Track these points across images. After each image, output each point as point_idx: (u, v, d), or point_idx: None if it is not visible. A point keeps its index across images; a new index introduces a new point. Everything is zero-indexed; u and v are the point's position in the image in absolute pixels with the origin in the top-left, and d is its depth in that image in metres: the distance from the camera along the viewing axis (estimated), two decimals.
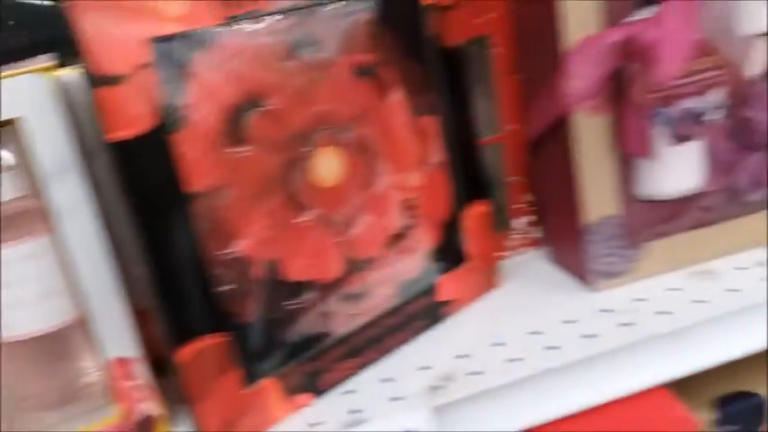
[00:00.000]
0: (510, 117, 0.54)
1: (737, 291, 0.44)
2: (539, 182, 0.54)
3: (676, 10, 0.39)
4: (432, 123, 0.48)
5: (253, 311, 0.40)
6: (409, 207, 0.47)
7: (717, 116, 0.45)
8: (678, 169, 0.46)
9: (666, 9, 0.39)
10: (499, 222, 0.58)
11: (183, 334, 0.37)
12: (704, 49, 0.41)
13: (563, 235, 0.51)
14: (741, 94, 0.46)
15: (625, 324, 0.43)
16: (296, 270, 0.41)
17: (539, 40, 0.45)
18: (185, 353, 0.37)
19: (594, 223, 0.46)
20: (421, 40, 0.46)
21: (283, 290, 0.41)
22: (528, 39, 0.48)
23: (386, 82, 0.45)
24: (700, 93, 0.42)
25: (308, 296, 0.42)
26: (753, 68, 0.46)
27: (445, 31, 0.47)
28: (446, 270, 0.49)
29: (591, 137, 0.44)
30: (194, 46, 0.36)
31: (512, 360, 0.42)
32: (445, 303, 0.49)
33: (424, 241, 0.48)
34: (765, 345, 0.43)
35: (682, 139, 0.43)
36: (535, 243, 0.57)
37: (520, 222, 0.57)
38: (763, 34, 0.45)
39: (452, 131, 0.48)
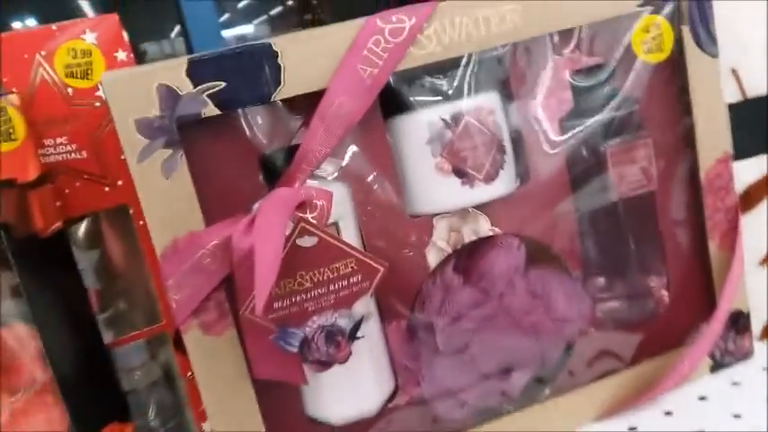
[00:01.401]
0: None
1: None
2: None
3: (269, 212, 0.29)
4: (24, 334, 0.35)
5: None
6: None
7: (367, 330, 0.34)
8: (348, 389, 0.35)
9: (260, 209, 0.29)
10: (183, 428, 0.46)
11: None
12: (341, 254, 0.31)
13: None
14: (419, 296, 0.36)
15: None
16: None
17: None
18: None
19: None
20: None
21: None
22: None
23: None
24: (340, 305, 0.32)
25: None
26: (432, 255, 0.36)
27: (38, 211, 0.35)
28: None
29: (211, 357, 0.33)
30: None
31: None
32: None
33: None
34: None
35: (322, 364, 0.33)
36: None
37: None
38: (445, 214, 0.36)
39: (62, 339, 0.36)
